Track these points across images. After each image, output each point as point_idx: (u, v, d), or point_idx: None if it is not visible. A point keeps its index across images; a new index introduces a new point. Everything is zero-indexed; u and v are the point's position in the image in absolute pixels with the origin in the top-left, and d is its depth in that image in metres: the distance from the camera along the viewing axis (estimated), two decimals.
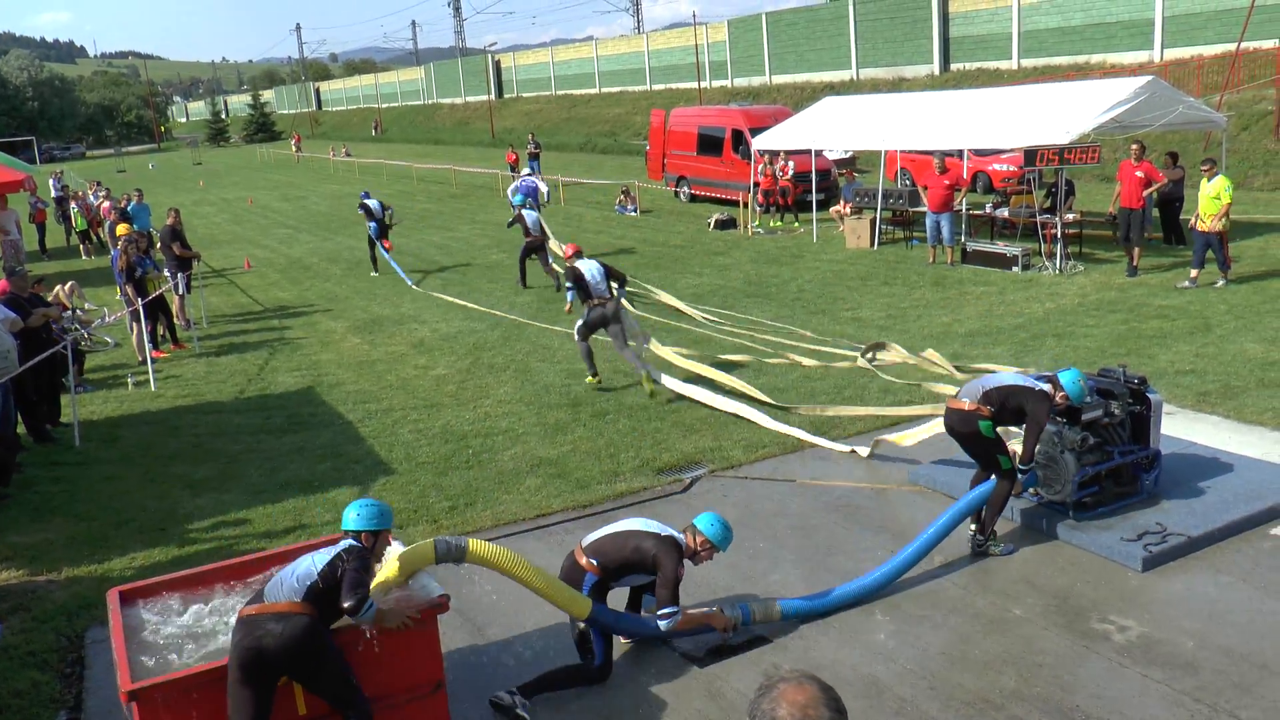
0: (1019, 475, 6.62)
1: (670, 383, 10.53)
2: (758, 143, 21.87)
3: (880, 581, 6.26)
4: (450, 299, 16.33)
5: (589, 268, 10.91)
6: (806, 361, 11.29)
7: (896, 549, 6.57)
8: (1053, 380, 6.61)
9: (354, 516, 4.89)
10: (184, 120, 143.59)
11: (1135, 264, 14.58)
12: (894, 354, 11.17)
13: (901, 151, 22.59)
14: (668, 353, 11.74)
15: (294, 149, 63.19)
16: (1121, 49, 31.33)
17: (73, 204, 27.80)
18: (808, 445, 8.84)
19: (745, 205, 22.16)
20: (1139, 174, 14.44)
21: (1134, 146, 14.75)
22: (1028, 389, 6.53)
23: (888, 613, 6.09)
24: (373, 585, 4.80)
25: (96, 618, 6.45)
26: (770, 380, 10.66)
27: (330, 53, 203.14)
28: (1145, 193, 14.49)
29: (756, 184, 22.50)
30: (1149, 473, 7.14)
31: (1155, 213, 16.22)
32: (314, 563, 4.72)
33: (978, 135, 16.85)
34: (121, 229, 14.93)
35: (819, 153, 20.78)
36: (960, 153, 17.60)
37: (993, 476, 6.67)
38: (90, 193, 28.98)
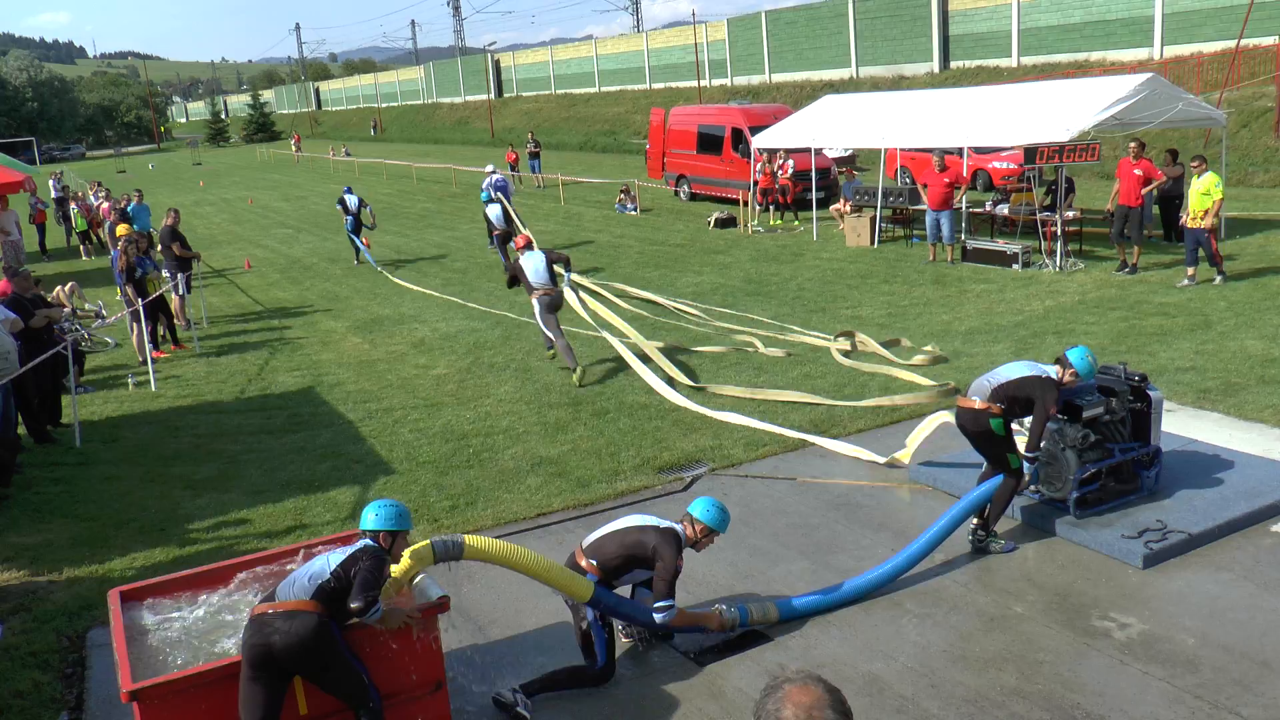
0: (1025, 465, 6.62)
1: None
2: (757, 141, 21.86)
3: (880, 581, 6.26)
4: (450, 298, 16.34)
5: (532, 262, 11.69)
6: (770, 351, 11.67)
7: (898, 547, 6.58)
8: (1060, 359, 6.62)
9: (372, 517, 4.87)
10: (184, 120, 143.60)
11: (1135, 262, 14.57)
12: (863, 344, 11.59)
13: (901, 149, 22.59)
14: (728, 389, 10.39)
15: (294, 149, 63.19)
16: (1121, 46, 31.31)
17: (73, 204, 27.76)
18: (808, 444, 8.84)
19: (745, 204, 22.16)
20: (1137, 172, 14.43)
21: (1133, 145, 14.74)
22: (1034, 378, 6.53)
23: (888, 610, 6.09)
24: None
25: (97, 618, 6.46)
26: (770, 380, 10.68)
27: (330, 52, 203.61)
28: (1144, 190, 14.49)
29: (755, 182, 22.51)
30: (1149, 470, 7.14)
31: (1156, 210, 16.22)
32: (328, 562, 4.71)
33: (977, 133, 16.83)
34: (121, 229, 14.94)
35: (819, 151, 20.76)
36: (960, 150, 17.56)
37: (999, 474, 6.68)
38: (90, 193, 28.98)
